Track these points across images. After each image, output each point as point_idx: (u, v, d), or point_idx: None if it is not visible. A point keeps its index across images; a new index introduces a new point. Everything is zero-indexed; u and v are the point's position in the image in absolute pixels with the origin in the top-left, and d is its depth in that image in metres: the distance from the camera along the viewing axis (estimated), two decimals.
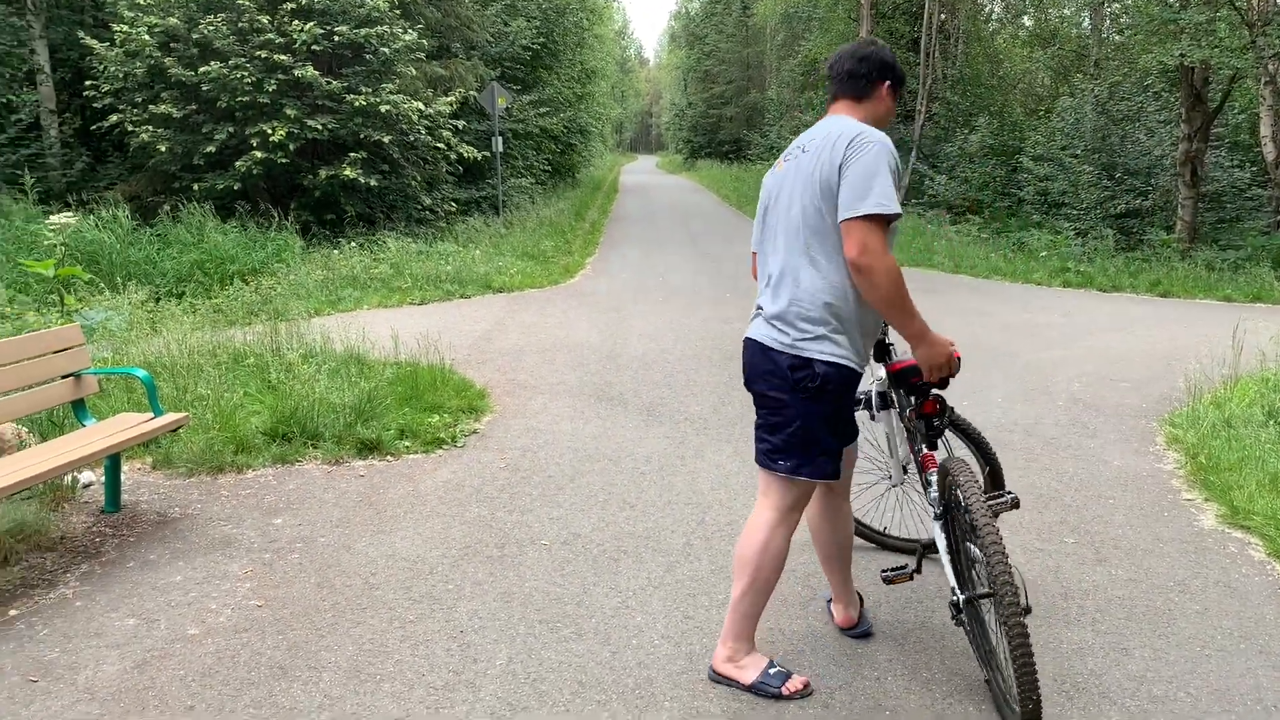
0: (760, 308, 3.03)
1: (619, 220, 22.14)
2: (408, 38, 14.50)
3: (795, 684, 3.01)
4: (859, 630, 3.40)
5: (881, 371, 3.41)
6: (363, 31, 13.92)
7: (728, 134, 50.24)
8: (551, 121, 22.07)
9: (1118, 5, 22.29)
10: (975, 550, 2.88)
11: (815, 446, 2.93)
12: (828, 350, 2.85)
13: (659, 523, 4.40)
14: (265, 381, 6.08)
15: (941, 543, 3.12)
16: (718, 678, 3.08)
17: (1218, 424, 5.50)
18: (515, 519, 4.43)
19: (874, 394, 3.40)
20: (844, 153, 2.77)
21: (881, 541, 4.15)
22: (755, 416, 3.08)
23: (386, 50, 14.24)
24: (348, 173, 13.58)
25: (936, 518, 3.13)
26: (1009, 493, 3.26)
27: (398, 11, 14.83)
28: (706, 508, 4.59)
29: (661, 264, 14.05)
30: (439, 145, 15.21)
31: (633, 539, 4.21)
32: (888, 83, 3.00)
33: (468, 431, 5.73)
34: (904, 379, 3.21)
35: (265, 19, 13.45)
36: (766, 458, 3.00)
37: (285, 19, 13.59)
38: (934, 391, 3.13)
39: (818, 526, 3.32)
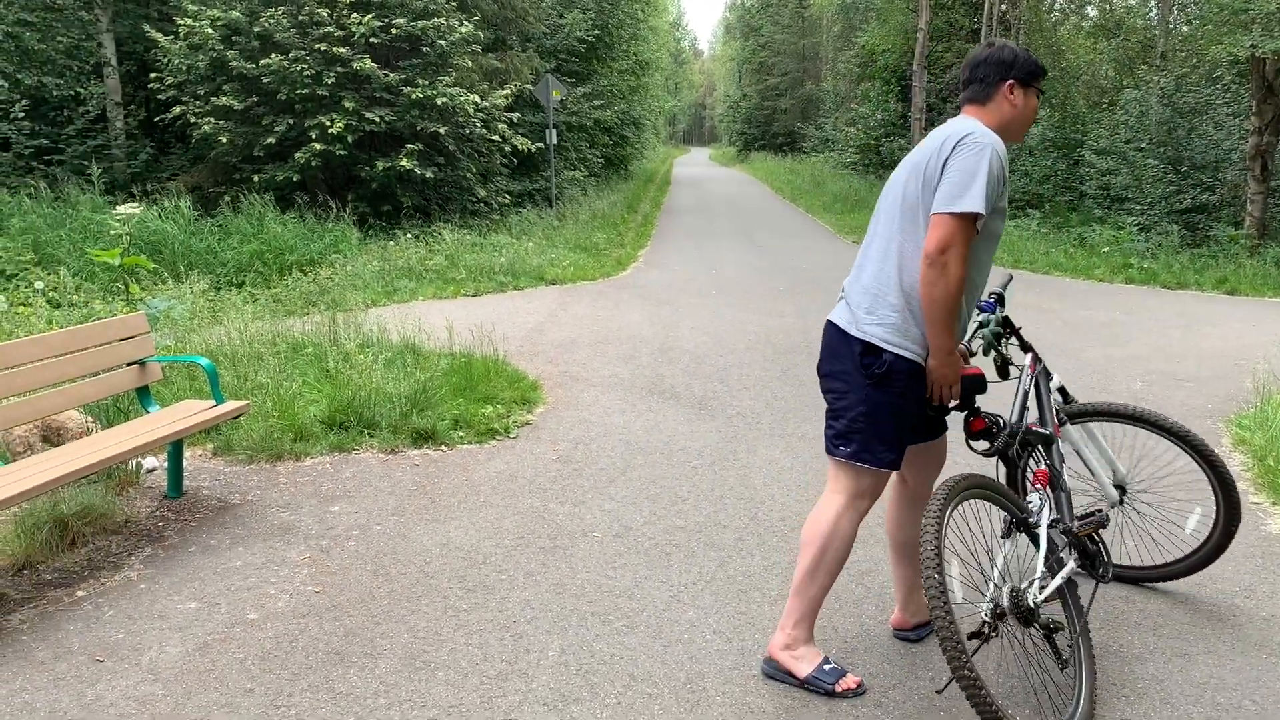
0: (844, 290, 3.05)
1: (671, 213, 22.11)
2: (464, 30, 14.60)
3: (849, 682, 2.98)
4: (910, 634, 3.34)
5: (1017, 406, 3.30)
6: (420, 24, 14.04)
7: (782, 126, 49.93)
8: (605, 114, 22.10)
9: None
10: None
11: (876, 435, 2.92)
12: (895, 340, 2.85)
13: (711, 517, 4.39)
14: (323, 370, 6.17)
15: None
16: (772, 667, 3.06)
17: None
18: (567, 510, 4.45)
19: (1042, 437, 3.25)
20: (952, 149, 2.77)
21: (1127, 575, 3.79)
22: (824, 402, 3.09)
23: (443, 43, 14.35)
24: (404, 164, 13.73)
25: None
26: (1098, 510, 3.22)
27: (454, 4, 14.93)
28: (759, 503, 4.57)
29: (714, 257, 14.01)
30: (494, 138, 15.31)
31: (684, 533, 4.20)
32: (1009, 81, 2.92)
33: (520, 423, 5.77)
34: (964, 389, 3.02)
35: (325, 11, 13.63)
36: (830, 442, 3.02)
37: (344, 12, 13.76)
38: (981, 410, 3.07)
39: (890, 519, 3.31)
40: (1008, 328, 3.36)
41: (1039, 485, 3.08)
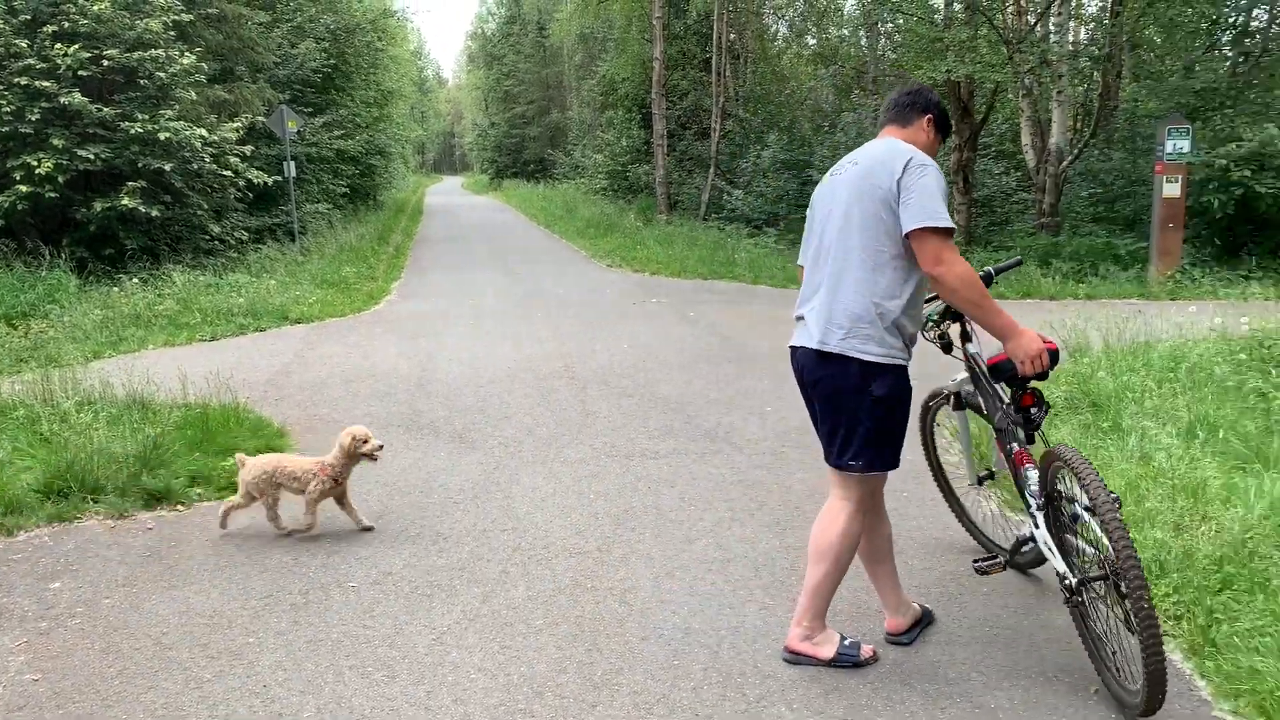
0: (802, 316, 3.22)
1: (425, 243, 21.76)
2: (186, 61, 13.76)
3: (868, 650, 3.23)
4: (903, 638, 3.44)
5: (962, 373, 3.68)
6: (136, 55, 13.11)
7: (532, 153, 50.29)
8: (348, 144, 21.45)
9: (891, 25, 23.73)
10: (1075, 540, 3.11)
11: (885, 443, 3.11)
12: (883, 352, 3.03)
13: (474, 552, 4.32)
14: (37, 434, 5.60)
15: (1043, 533, 3.26)
16: (794, 656, 3.27)
17: None
18: (320, 561, 4.24)
19: (951, 395, 3.75)
20: (903, 168, 3.01)
21: (974, 532, 4.32)
22: (817, 421, 3.27)
23: (163, 75, 13.47)
24: (125, 203, 12.73)
25: (1039, 509, 3.27)
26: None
27: (174, 33, 14.05)
28: (523, 532, 4.55)
29: (470, 286, 13.88)
30: (226, 172, 14.48)
31: (446, 572, 4.11)
32: (930, 116, 3.31)
33: None
34: (1002, 373, 3.32)
35: (23, 43, 12.46)
36: (838, 459, 3.16)
37: (46, 43, 12.63)
38: (1032, 384, 3.27)
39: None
40: (954, 316, 3.64)
41: (1028, 464, 3.34)
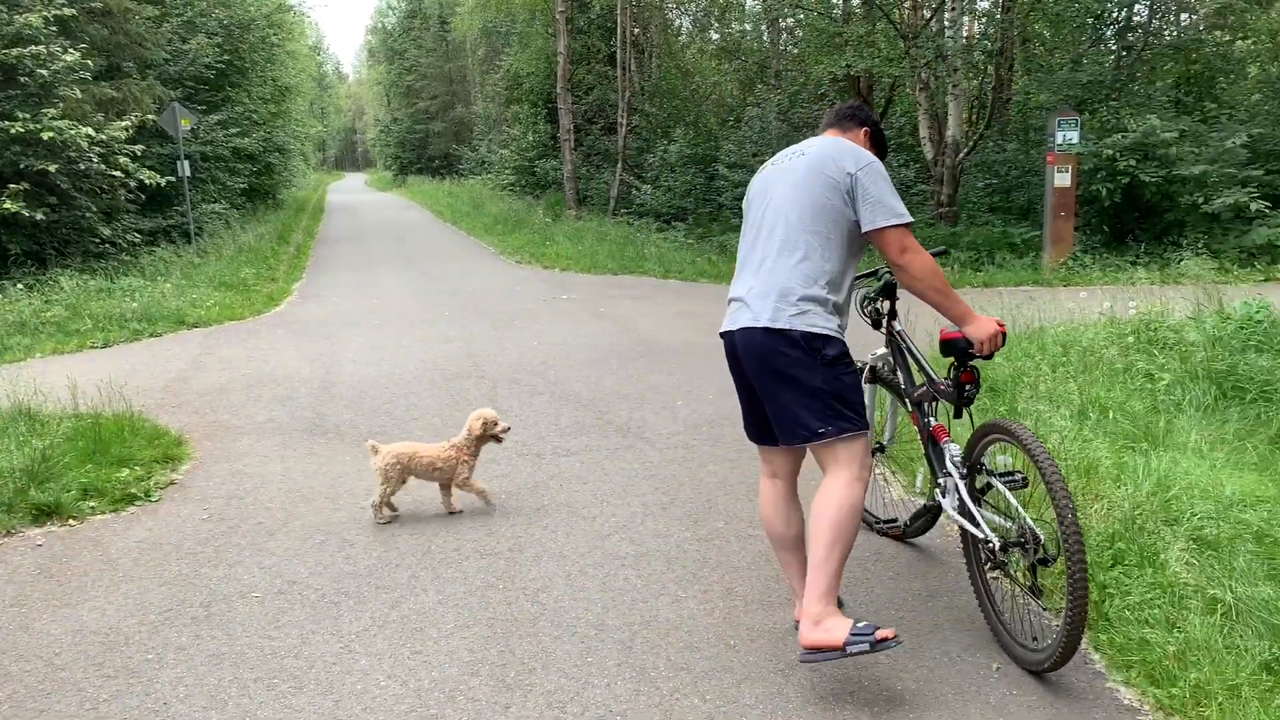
0: (739, 298, 3.24)
1: (327, 242, 21.30)
2: (69, 58, 13.20)
3: (886, 632, 3.00)
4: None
5: (881, 349, 3.90)
6: (14, 52, 12.53)
7: (437, 149, 49.64)
8: (245, 141, 20.85)
9: (791, 20, 24.05)
10: (986, 512, 3.29)
11: (843, 402, 3.14)
12: (832, 327, 3.15)
13: (382, 558, 4.25)
14: None
15: (958, 502, 3.38)
16: (811, 654, 3.05)
17: None
18: (222, 573, 4.12)
19: (866, 368, 3.88)
20: (857, 167, 3.18)
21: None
22: (769, 402, 3.23)
23: (45, 72, 12.90)
24: (8, 207, 12.16)
25: (963, 478, 3.38)
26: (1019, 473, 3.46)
27: (55, 29, 13.47)
28: (432, 536, 4.49)
29: (374, 286, 13.64)
30: (115, 172, 13.94)
31: (354, 579, 4.03)
32: (867, 129, 3.55)
33: (164, 483, 5.27)
34: (954, 349, 3.42)
35: None
36: (807, 433, 3.15)
37: None
38: (971, 363, 3.41)
39: (774, 517, 3.40)
40: (889, 295, 3.88)
41: (945, 438, 3.52)
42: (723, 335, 3.32)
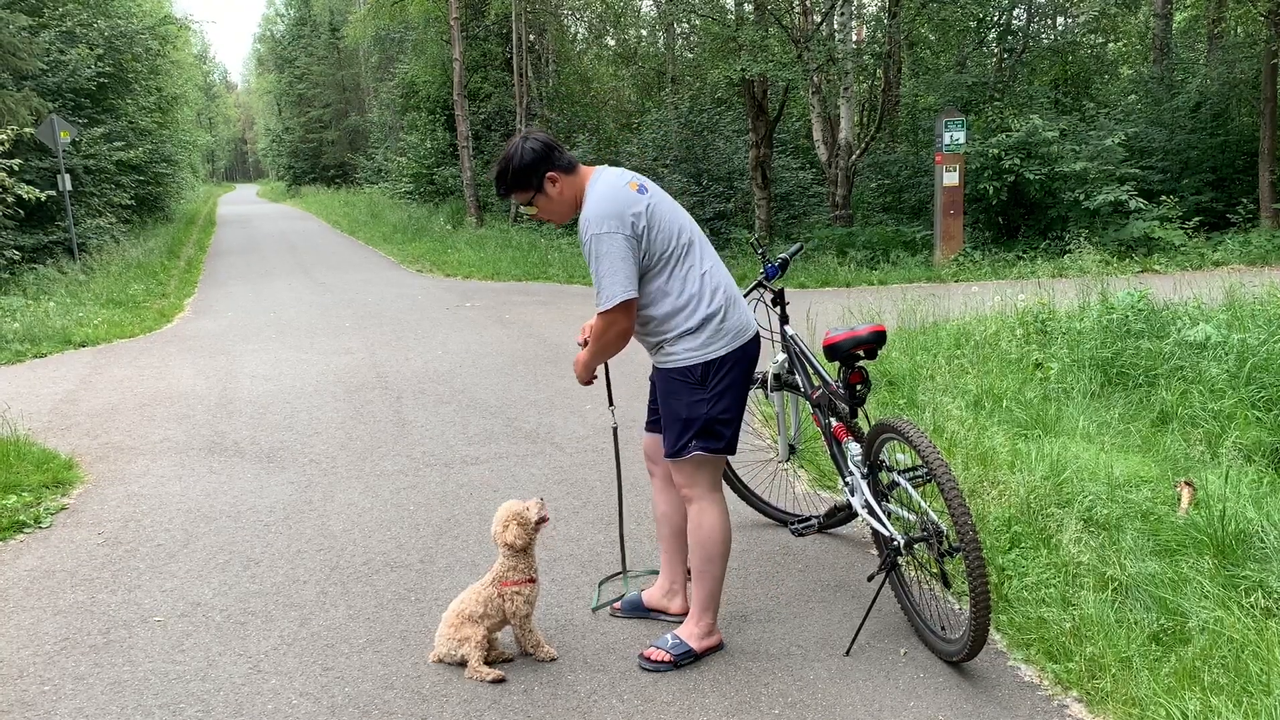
0: (735, 296, 3.28)
1: (220, 255, 20.70)
2: None
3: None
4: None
5: (780, 355, 3.95)
6: None
7: (331, 158, 48.74)
8: (130, 154, 20.12)
9: (687, 25, 24.31)
10: (893, 507, 3.35)
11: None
12: None
13: (289, 575, 4.16)
14: None
15: (865, 501, 3.44)
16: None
17: None
18: (120, 599, 3.98)
19: (770, 375, 3.98)
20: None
21: (768, 511, 4.53)
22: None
23: None
24: None
25: (864, 477, 3.45)
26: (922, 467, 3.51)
27: None
28: (340, 551, 4.41)
29: (271, 299, 13.31)
30: None
31: (260, 598, 3.94)
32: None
33: (54, 509, 5.05)
34: (837, 353, 3.48)
35: None
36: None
37: None
38: (859, 364, 3.47)
39: (663, 504, 3.54)
40: (778, 302, 4.06)
41: (846, 437, 3.59)
42: (752, 338, 3.26)
